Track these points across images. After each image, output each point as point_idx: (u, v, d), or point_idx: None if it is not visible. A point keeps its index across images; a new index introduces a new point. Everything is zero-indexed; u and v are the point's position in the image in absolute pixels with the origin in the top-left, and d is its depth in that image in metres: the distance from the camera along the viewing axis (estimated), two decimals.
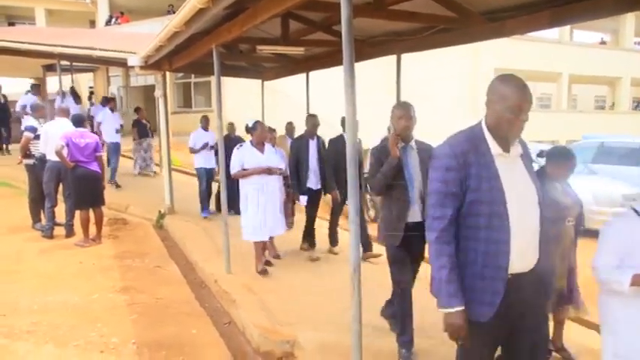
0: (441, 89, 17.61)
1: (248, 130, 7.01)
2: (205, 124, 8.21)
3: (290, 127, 8.16)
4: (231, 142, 6.76)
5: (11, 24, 24.00)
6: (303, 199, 6.25)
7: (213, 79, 12.09)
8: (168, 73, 8.49)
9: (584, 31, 28.13)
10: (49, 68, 14.66)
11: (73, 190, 6.52)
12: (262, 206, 5.24)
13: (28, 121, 7.53)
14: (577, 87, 27.82)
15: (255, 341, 3.92)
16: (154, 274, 5.64)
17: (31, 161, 7.06)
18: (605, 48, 25.60)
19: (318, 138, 6.21)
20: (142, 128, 11.15)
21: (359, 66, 2.86)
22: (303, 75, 7.94)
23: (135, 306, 4.64)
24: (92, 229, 6.64)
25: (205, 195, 8.07)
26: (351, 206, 2.92)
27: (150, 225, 7.87)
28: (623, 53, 24.16)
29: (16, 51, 10.96)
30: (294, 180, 6.17)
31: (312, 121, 6.13)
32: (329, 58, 6.77)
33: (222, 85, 5.55)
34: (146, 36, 9.18)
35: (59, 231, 6.94)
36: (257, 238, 5.31)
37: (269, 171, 5.25)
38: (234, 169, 5.28)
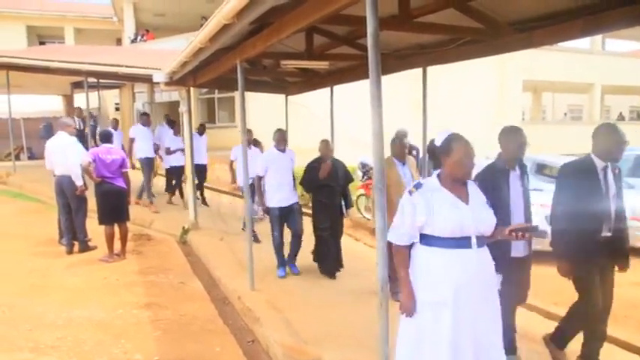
0: (468, 102, 17.39)
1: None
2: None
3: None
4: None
5: (42, 43, 24.81)
6: None
7: (236, 94, 12.16)
8: (192, 89, 8.57)
9: (617, 39, 27.59)
10: (77, 85, 15.06)
11: (98, 206, 6.57)
12: None
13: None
14: (610, 98, 27.21)
15: None
16: (178, 290, 5.61)
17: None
18: (639, 57, 24.96)
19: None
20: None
21: (383, 80, 2.80)
22: (327, 90, 7.91)
23: (159, 322, 4.61)
24: (116, 245, 6.68)
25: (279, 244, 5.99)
26: (378, 224, 2.83)
27: (174, 240, 7.88)
28: None
29: (46, 69, 11.27)
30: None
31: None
32: (353, 72, 6.73)
33: (245, 101, 5.55)
34: (170, 52, 9.32)
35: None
36: None
37: None
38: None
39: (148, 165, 9.89)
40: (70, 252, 6.87)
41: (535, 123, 22.37)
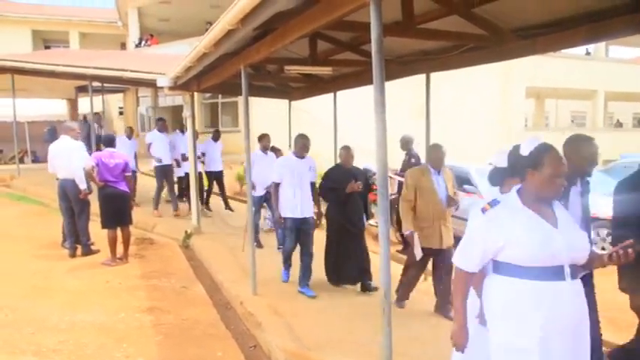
0: (470, 109, 17.40)
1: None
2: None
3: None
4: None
5: (47, 47, 24.97)
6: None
7: (240, 99, 12.16)
8: (196, 94, 8.60)
9: (620, 46, 27.58)
10: (81, 89, 15.12)
11: (101, 210, 6.59)
12: None
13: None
14: (614, 104, 27.19)
15: None
16: (180, 294, 5.61)
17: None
18: None
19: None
20: None
21: (385, 86, 2.81)
22: (330, 95, 7.93)
23: (161, 327, 4.61)
24: (119, 248, 6.69)
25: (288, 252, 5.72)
26: (381, 230, 2.83)
27: (176, 245, 7.88)
28: None
29: (51, 73, 11.33)
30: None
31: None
32: (356, 77, 6.75)
33: (249, 105, 5.56)
34: (174, 57, 9.35)
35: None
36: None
37: None
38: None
39: (162, 172, 9.42)
40: (72, 255, 6.88)
41: (538, 130, 22.36)
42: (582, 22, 3.83)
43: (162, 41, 19.65)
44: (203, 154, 9.35)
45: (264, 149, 7.28)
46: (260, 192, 7.14)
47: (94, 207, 6.85)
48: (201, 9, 18.45)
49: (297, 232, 5.39)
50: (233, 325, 4.81)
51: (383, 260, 2.84)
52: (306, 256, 5.39)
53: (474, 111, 17.57)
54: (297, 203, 5.33)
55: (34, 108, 17.65)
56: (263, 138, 7.31)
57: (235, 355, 4.15)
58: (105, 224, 6.59)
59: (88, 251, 6.94)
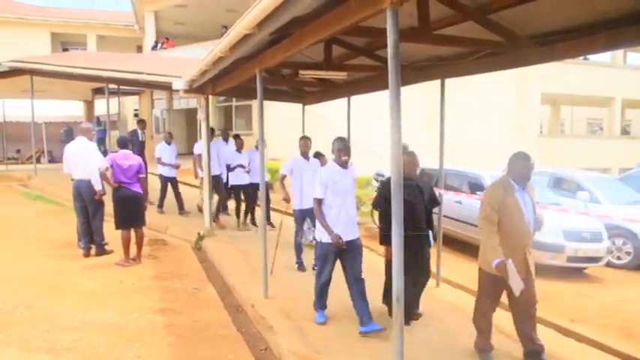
0: (485, 115, 17.30)
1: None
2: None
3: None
4: None
5: (65, 49, 25.37)
6: None
7: (254, 102, 12.18)
8: (210, 97, 8.66)
9: (639, 53, 27.17)
10: (97, 91, 15.34)
11: (115, 211, 6.66)
12: None
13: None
14: (631, 112, 26.85)
15: None
16: (193, 295, 5.64)
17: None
18: None
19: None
20: None
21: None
22: (344, 100, 7.94)
23: (173, 328, 4.64)
24: (133, 249, 6.75)
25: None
26: (394, 235, 2.83)
27: (189, 246, 7.93)
28: None
29: (69, 75, 11.51)
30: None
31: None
32: (371, 83, 6.75)
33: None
34: (189, 61, 9.43)
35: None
36: None
37: None
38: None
39: (213, 184, 8.68)
40: (87, 255, 6.96)
41: (553, 136, 22.16)
42: (600, 29, 3.80)
43: (178, 44, 19.84)
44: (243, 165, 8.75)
45: (304, 155, 6.38)
46: (303, 205, 6.20)
47: (108, 208, 6.93)
48: (217, 13, 18.61)
49: (335, 257, 4.48)
50: (244, 327, 4.82)
51: (395, 266, 2.83)
52: (355, 283, 4.45)
53: (488, 117, 17.47)
54: (339, 223, 4.43)
55: (51, 109, 17.99)
56: (301, 141, 6.42)
57: (246, 357, 4.17)
58: (119, 225, 6.65)
59: (102, 251, 7.02)
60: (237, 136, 9.33)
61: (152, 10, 19.91)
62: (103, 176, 6.61)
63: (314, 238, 5.02)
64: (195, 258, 7.32)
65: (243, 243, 7.71)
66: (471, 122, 16.23)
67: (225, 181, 9.08)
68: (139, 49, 23.93)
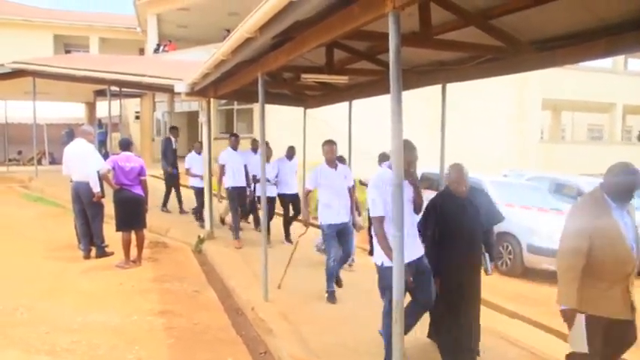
0: (485, 120, 17.31)
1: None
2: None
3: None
4: None
5: (67, 51, 25.45)
6: None
7: (255, 106, 12.18)
8: (212, 100, 8.67)
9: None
10: (99, 93, 15.38)
11: (116, 212, 6.67)
12: None
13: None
14: (632, 118, 26.87)
15: None
16: (192, 298, 5.64)
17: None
18: None
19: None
20: None
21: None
22: (345, 104, 7.96)
23: (172, 330, 4.64)
24: (133, 251, 6.75)
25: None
26: (394, 238, 2.83)
27: (189, 249, 7.93)
28: None
29: (71, 77, 11.54)
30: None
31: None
32: (373, 87, 6.77)
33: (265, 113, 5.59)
34: (191, 63, 9.46)
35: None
36: None
37: None
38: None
39: (234, 196, 7.95)
40: (87, 257, 6.96)
41: (554, 142, 22.16)
42: (601, 35, 3.81)
43: (180, 47, 19.90)
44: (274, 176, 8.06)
45: (330, 163, 5.52)
46: (336, 219, 5.44)
47: (109, 209, 6.94)
48: (219, 16, 18.67)
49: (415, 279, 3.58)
50: (244, 330, 4.82)
51: (395, 269, 2.83)
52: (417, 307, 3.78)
53: (489, 122, 17.48)
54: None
55: (53, 111, 18.04)
56: (325, 147, 5.49)
57: None
58: (119, 227, 6.66)
59: (102, 253, 7.02)
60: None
61: (155, 12, 19.99)
62: (104, 178, 6.62)
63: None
64: (195, 261, 7.32)
65: (244, 247, 7.71)
66: (472, 127, 16.24)
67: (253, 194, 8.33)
68: (141, 51, 24.01)
